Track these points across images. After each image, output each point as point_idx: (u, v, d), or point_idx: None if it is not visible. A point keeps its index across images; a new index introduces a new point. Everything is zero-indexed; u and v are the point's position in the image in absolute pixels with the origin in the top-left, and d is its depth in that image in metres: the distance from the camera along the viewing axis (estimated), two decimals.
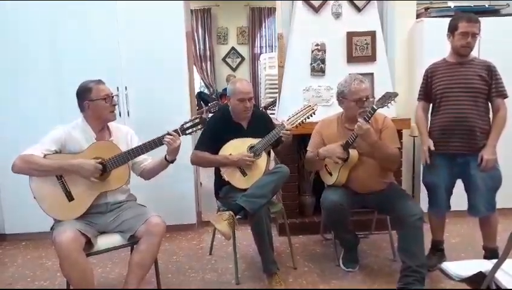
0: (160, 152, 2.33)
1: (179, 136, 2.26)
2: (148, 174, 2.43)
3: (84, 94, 2.26)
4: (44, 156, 2.14)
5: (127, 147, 2.30)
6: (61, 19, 3.23)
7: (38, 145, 2.17)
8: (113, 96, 2.31)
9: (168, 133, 2.24)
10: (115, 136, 2.36)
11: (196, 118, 2.31)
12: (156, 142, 2.23)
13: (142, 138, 2.31)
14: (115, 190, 2.27)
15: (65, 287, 2.19)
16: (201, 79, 8.16)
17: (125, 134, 2.42)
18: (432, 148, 2.56)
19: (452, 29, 2.51)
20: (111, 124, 2.39)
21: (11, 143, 2.97)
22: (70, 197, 2.17)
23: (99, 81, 2.30)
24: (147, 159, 2.44)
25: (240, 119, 2.75)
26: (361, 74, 2.68)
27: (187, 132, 2.29)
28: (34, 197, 2.16)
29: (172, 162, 2.34)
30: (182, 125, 2.29)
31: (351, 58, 3.43)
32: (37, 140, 2.20)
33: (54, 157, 2.16)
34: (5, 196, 3.35)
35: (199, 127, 2.30)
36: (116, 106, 2.33)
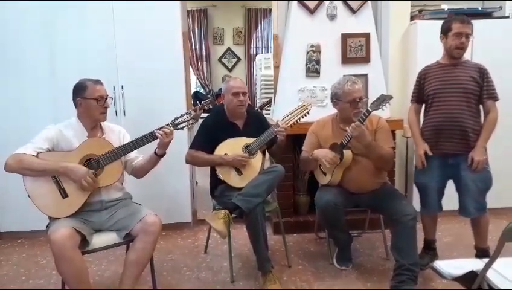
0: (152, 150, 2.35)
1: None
2: (139, 171, 2.43)
3: (78, 91, 2.28)
4: (37, 154, 2.14)
5: None
6: (57, 18, 3.23)
7: (30, 144, 2.17)
8: (106, 99, 2.31)
9: (162, 127, 2.26)
10: (107, 135, 2.37)
11: (188, 113, 2.33)
12: (148, 137, 2.25)
13: None
14: (108, 187, 2.27)
15: (60, 286, 2.20)
16: (198, 79, 8.16)
17: (117, 133, 2.43)
18: (430, 153, 2.57)
19: (445, 31, 2.54)
20: (103, 123, 2.40)
21: (4, 142, 2.96)
22: (64, 194, 2.17)
23: (97, 81, 2.31)
24: (138, 157, 2.45)
25: (235, 117, 2.77)
26: (355, 75, 2.70)
27: (179, 126, 2.31)
28: (28, 195, 2.16)
29: (161, 156, 2.35)
30: (174, 120, 2.31)
31: (346, 60, 3.45)
32: (31, 140, 2.20)
33: (46, 156, 2.16)
34: None
35: (191, 122, 2.32)
36: (108, 108, 2.33)
